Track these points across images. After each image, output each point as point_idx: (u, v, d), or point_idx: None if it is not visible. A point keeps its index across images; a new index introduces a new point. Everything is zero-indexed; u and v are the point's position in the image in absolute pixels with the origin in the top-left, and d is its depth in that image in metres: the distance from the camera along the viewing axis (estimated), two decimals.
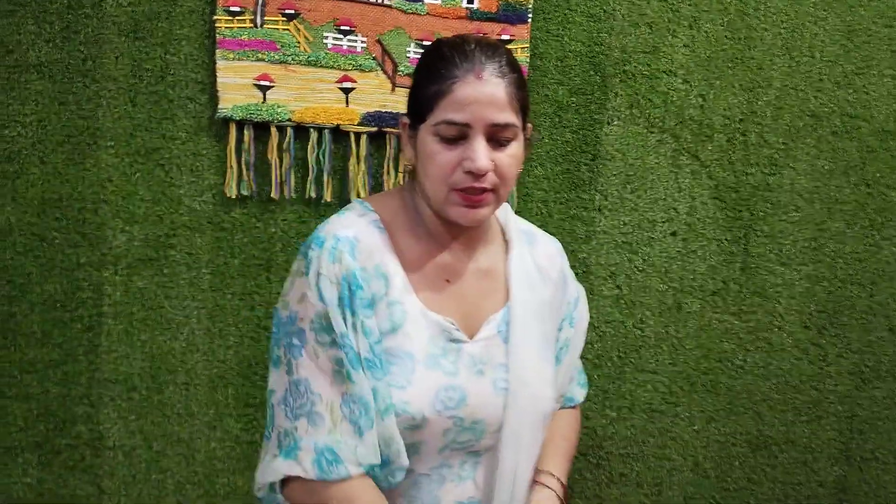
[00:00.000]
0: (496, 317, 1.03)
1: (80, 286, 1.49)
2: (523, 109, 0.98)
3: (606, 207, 1.61)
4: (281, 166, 1.49)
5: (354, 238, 0.97)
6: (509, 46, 1.49)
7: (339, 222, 1.00)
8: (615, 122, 1.59)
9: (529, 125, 1.02)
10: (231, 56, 1.43)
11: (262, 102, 1.45)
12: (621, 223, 1.62)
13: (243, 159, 1.48)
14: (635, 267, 1.63)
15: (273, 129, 1.47)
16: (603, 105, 1.58)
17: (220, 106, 1.45)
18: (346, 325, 0.94)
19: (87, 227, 1.48)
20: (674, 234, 1.63)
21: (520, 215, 1.54)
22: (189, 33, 1.45)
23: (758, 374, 1.68)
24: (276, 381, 0.97)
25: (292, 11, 1.43)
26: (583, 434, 1.63)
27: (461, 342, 1.00)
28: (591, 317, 1.59)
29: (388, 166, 1.51)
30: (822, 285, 1.68)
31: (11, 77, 1.42)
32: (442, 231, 1.02)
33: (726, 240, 1.64)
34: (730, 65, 1.60)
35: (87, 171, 1.47)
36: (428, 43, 1.47)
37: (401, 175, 1.51)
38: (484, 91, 0.92)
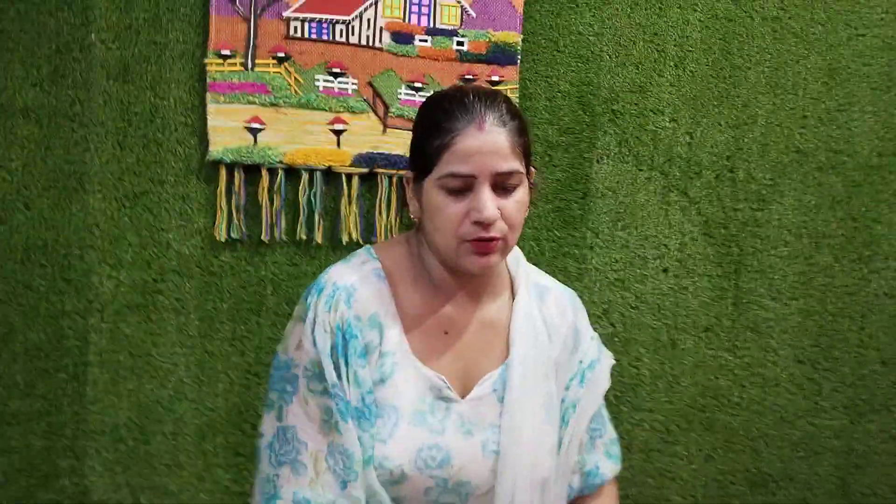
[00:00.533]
0: (493, 374, 1.02)
1: (64, 334, 1.46)
2: (526, 155, 1.00)
3: (598, 245, 1.62)
4: (272, 208, 1.48)
5: (352, 286, 0.98)
6: (498, 87, 1.52)
7: (341, 269, 1.01)
8: (605, 160, 1.60)
9: (533, 169, 1.02)
10: (222, 99, 1.43)
11: (253, 145, 1.45)
12: (613, 260, 1.62)
13: (233, 202, 1.47)
14: (628, 304, 1.63)
15: (264, 172, 1.46)
16: (592, 143, 1.60)
17: (210, 149, 1.44)
18: (338, 374, 0.94)
19: (73, 274, 1.45)
20: (665, 270, 1.64)
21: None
22: (179, 76, 1.45)
23: (754, 409, 1.68)
24: (267, 425, 0.97)
25: (283, 54, 1.44)
26: None
27: (451, 401, 0.99)
28: None
29: (380, 207, 1.51)
30: (813, 319, 1.69)
31: None
32: (447, 281, 1.02)
33: (717, 275, 1.66)
34: (715, 103, 1.63)
35: (73, 216, 1.45)
36: (419, 85, 1.48)
37: (392, 215, 1.52)
38: (486, 141, 0.93)
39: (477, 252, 0.95)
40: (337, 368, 0.94)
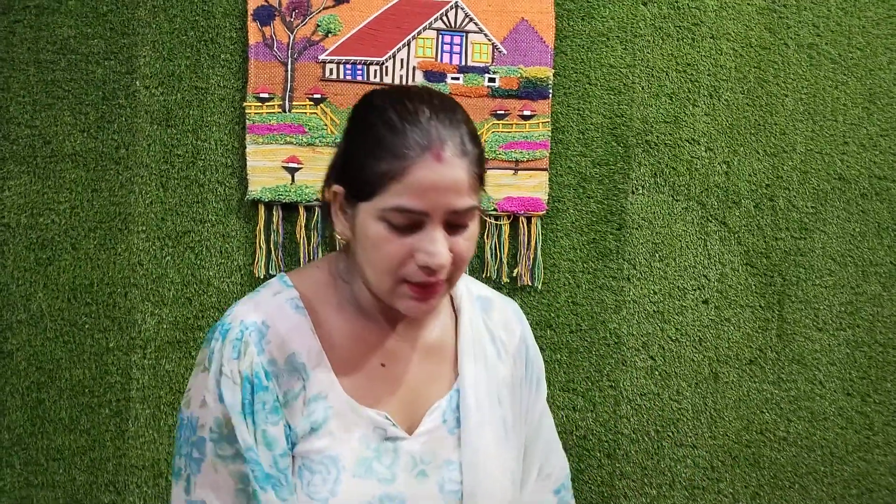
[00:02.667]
0: (440, 404, 0.90)
1: (108, 371, 1.54)
2: (482, 183, 0.87)
3: (635, 276, 1.65)
4: (309, 245, 1.55)
5: (263, 324, 0.84)
6: (531, 122, 1.57)
7: (249, 303, 0.88)
8: (640, 192, 1.64)
9: (481, 189, 0.89)
10: (260, 140, 1.52)
11: (291, 184, 1.52)
12: (651, 292, 1.65)
13: (272, 239, 1.54)
14: (668, 336, 1.66)
15: (301, 209, 1.54)
16: (627, 175, 1.64)
17: (249, 188, 1.52)
18: (249, 434, 0.82)
19: (117, 312, 1.54)
20: (706, 301, 1.66)
21: (546, 287, 1.61)
22: (219, 119, 1.54)
23: (802, 445, 1.67)
24: (175, 498, 0.84)
25: (319, 96, 1.52)
26: None
27: (398, 439, 0.87)
28: (625, 389, 1.63)
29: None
30: (862, 350, 1.69)
31: (48, 167, 1.51)
32: (378, 308, 0.89)
33: (760, 306, 1.67)
34: (752, 131, 1.66)
35: (117, 255, 1.53)
36: None
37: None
38: (445, 175, 0.80)
39: (417, 298, 0.83)
40: (247, 427, 0.82)
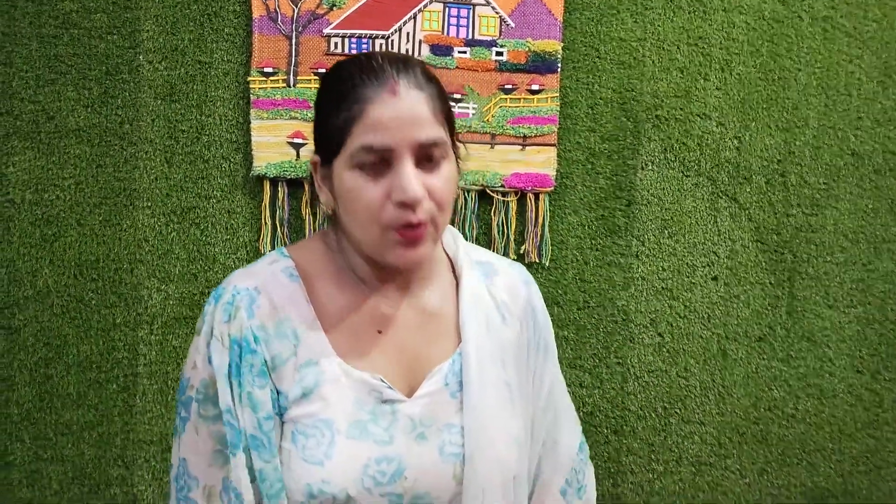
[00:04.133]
0: (442, 367, 0.91)
1: (115, 346, 1.57)
2: (450, 123, 0.89)
3: (644, 253, 1.66)
4: (315, 221, 1.57)
5: (256, 290, 0.87)
6: (539, 96, 1.58)
7: (244, 272, 0.91)
8: (649, 167, 1.65)
9: (460, 144, 0.93)
10: (265, 115, 1.53)
11: (296, 159, 1.53)
12: (660, 269, 1.67)
13: (277, 216, 1.56)
14: (676, 313, 1.67)
15: (306, 185, 1.54)
16: (636, 150, 1.65)
17: (254, 164, 1.53)
18: (232, 397, 0.84)
19: (123, 288, 1.56)
20: (715, 278, 1.68)
21: (554, 263, 1.62)
22: (223, 94, 1.55)
23: (810, 422, 1.70)
24: (174, 455, 0.88)
25: (324, 70, 1.53)
26: (629, 490, 1.66)
27: (395, 402, 0.88)
28: (632, 366, 1.66)
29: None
30: (872, 328, 1.70)
31: (52, 142, 1.53)
32: (373, 274, 0.91)
33: (770, 283, 1.69)
34: (764, 106, 1.66)
35: (123, 231, 1.56)
36: (459, 96, 1.55)
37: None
38: (402, 107, 0.83)
39: (404, 243, 0.85)
40: (232, 390, 0.84)
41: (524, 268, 1.05)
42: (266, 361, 0.86)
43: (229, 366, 0.84)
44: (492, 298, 0.97)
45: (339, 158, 0.85)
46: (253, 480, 0.85)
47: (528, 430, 0.97)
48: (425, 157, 0.85)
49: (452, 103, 1.53)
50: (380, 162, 0.83)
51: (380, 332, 0.91)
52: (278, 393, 0.87)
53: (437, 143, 0.85)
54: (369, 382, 0.87)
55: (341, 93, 0.85)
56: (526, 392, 0.97)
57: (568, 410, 1.05)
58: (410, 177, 0.82)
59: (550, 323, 1.04)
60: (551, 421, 1.01)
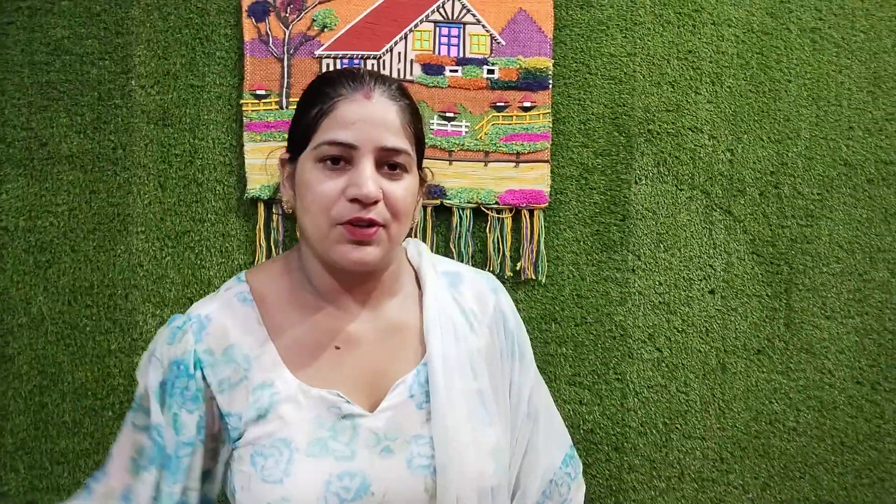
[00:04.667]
0: (406, 379, 0.91)
1: (111, 373, 1.56)
2: (418, 143, 0.92)
3: (640, 268, 1.67)
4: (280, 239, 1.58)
5: (207, 317, 0.90)
6: (532, 113, 1.60)
7: (203, 300, 0.95)
8: (643, 182, 1.67)
9: (426, 169, 0.95)
10: (258, 138, 1.54)
11: None
12: (656, 283, 1.68)
13: (272, 238, 1.56)
14: (674, 328, 1.68)
15: None
16: (629, 165, 1.66)
17: (248, 186, 1.54)
18: (162, 414, 0.88)
19: (118, 314, 1.57)
20: (712, 291, 1.68)
21: (550, 280, 1.63)
22: (216, 118, 1.56)
23: (812, 435, 1.70)
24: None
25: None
26: None
27: (356, 416, 0.88)
28: (632, 382, 1.66)
29: (414, 232, 1.60)
30: (871, 338, 1.71)
31: (45, 169, 1.54)
32: (331, 287, 0.92)
33: (767, 295, 1.69)
34: (756, 118, 1.68)
35: (117, 257, 1.56)
36: (451, 115, 1.56)
37: (427, 245, 1.59)
38: (373, 111, 0.86)
39: (352, 240, 0.85)
40: (162, 408, 0.88)
41: (492, 276, 1.06)
42: (207, 387, 0.88)
43: (162, 385, 0.88)
44: (458, 307, 0.97)
45: (305, 153, 0.88)
46: (155, 500, 0.88)
47: (508, 440, 0.96)
48: (388, 164, 0.87)
49: (445, 122, 1.56)
50: (341, 159, 0.86)
51: (338, 347, 0.92)
52: (224, 416, 0.88)
53: (400, 152, 0.87)
54: (327, 399, 0.88)
55: (320, 91, 0.89)
56: (502, 400, 0.96)
57: (550, 419, 1.04)
58: (367, 175, 0.85)
59: (524, 329, 1.04)
60: (531, 429, 1.01)
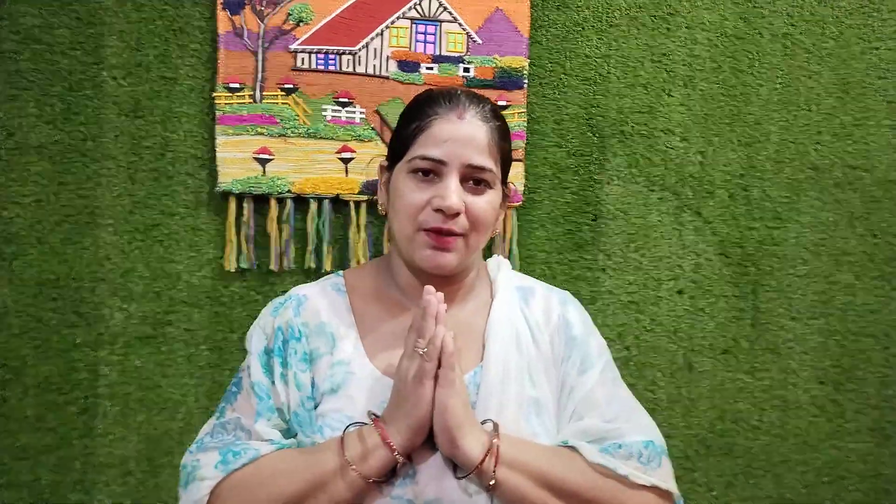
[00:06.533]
0: (464, 378, 0.96)
1: (75, 367, 1.58)
2: (504, 161, 1.02)
3: (610, 267, 1.73)
4: (280, 238, 1.61)
5: (305, 296, 1.04)
6: (506, 112, 1.64)
7: (304, 285, 1.09)
8: (615, 182, 1.73)
9: (511, 184, 1.04)
10: (231, 131, 1.57)
11: (262, 175, 1.57)
12: (626, 283, 1.74)
13: (243, 232, 1.59)
14: (643, 327, 1.74)
15: (273, 201, 1.59)
16: (602, 165, 1.72)
17: (219, 180, 1.56)
18: (273, 376, 0.99)
19: (84, 307, 1.58)
20: (680, 292, 1.75)
21: None
22: (188, 110, 1.58)
23: (775, 434, 1.77)
24: (204, 427, 1.04)
25: (291, 86, 1.57)
26: None
27: None
28: None
29: (389, 234, 1.64)
30: (835, 339, 1.79)
31: (12, 159, 1.54)
32: (414, 286, 1.03)
33: (734, 296, 1.76)
34: (727, 121, 1.75)
35: (84, 249, 1.58)
36: None
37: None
38: (463, 130, 0.97)
39: (432, 245, 0.96)
40: (271, 370, 0.99)
41: (568, 293, 1.13)
42: (307, 352, 1.00)
43: (269, 349, 1.00)
44: (524, 319, 1.05)
45: (401, 163, 0.99)
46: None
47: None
48: (472, 180, 0.98)
49: None
50: (431, 172, 0.97)
51: None
52: (313, 385, 0.99)
53: (484, 170, 0.97)
54: (391, 385, 0.95)
55: (420, 108, 1.01)
56: (558, 407, 1.02)
57: (613, 412, 1.02)
58: (452, 189, 0.95)
59: (596, 340, 1.09)
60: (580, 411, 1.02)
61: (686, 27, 1.72)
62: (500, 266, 1.12)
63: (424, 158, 0.96)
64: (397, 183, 1.00)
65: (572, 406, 1.02)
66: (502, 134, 1.02)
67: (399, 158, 1.00)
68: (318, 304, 1.03)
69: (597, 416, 1.01)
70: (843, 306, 1.78)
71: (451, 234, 0.96)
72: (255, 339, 1.03)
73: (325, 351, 1.00)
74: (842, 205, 1.78)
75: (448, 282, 1.03)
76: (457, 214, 0.96)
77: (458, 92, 1.02)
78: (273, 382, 0.99)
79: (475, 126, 0.98)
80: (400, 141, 1.01)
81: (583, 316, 1.11)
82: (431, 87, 1.07)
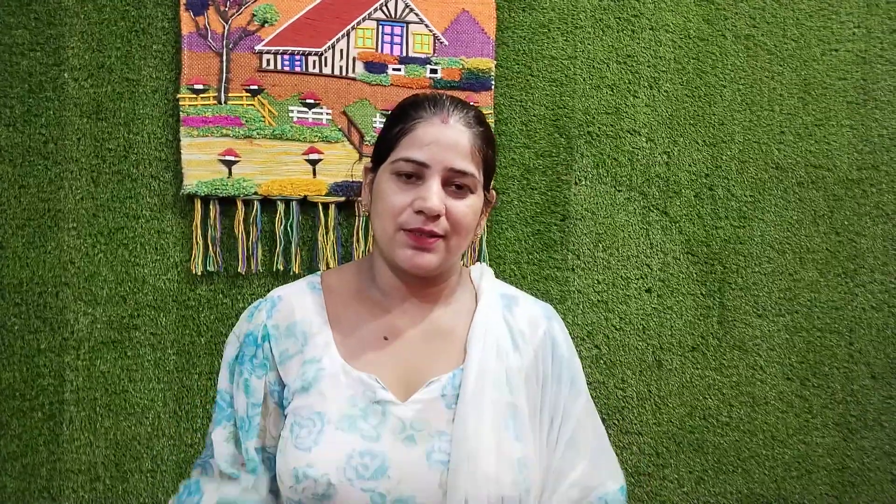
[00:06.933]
0: (441, 378, 1.00)
1: (40, 373, 1.56)
2: (487, 167, 1.04)
3: (579, 267, 1.75)
4: (248, 240, 1.60)
5: (279, 297, 1.07)
6: None
7: (281, 287, 1.11)
8: (583, 182, 1.74)
9: (493, 191, 1.07)
10: (195, 133, 1.56)
11: (228, 177, 1.57)
12: (595, 282, 1.75)
13: (209, 235, 1.58)
14: (612, 325, 1.76)
15: (239, 203, 1.58)
16: (570, 166, 1.73)
17: (184, 182, 1.55)
18: (232, 381, 1.04)
19: (48, 312, 1.57)
20: (648, 290, 1.77)
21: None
22: (152, 112, 1.57)
23: (744, 429, 1.80)
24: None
25: (256, 87, 1.57)
26: None
27: (387, 403, 0.97)
28: None
29: (358, 235, 1.64)
30: (800, 335, 1.82)
31: None
32: (394, 286, 1.05)
33: (701, 294, 1.79)
34: (692, 122, 1.77)
35: (47, 254, 1.56)
36: None
37: (371, 243, 1.64)
38: (447, 134, 0.99)
39: (413, 245, 0.98)
40: (232, 375, 1.04)
41: (550, 307, 1.16)
42: (272, 357, 1.02)
43: (235, 357, 1.03)
44: (507, 326, 1.07)
45: (385, 165, 1.01)
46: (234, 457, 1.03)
47: (538, 459, 1.02)
48: (454, 184, 0.99)
49: (384, 118, 1.60)
50: (414, 174, 0.98)
51: (386, 338, 1.04)
52: (283, 386, 1.02)
53: (466, 174, 0.99)
54: (365, 381, 0.98)
55: (405, 111, 1.03)
56: (537, 420, 1.04)
57: (594, 453, 1.09)
58: (433, 191, 0.97)
59: (578, 360, 1.13)
60: (567, 458, 1.06)
61: (650, 29, 1.74)
62: (483, 273, 1.14)
63: (407, 161, 0.98)
64: (380, 184, 1.01)
65: (567, 434, 1.06)
66: (486, 140, 1.04)
67: (383, 160, 1.02)
68: (293, 303, 1.05)
69: (585, 461, 1.06)
70: (808, 303, 1.81)
71: (431, 235, 0.98)
72: (229, 347, 1.06)
73: (295, 351, 1.02)
74: (805, 203, 1.81)
75: (428, 283, 1.05)
76: (437, 217, 0.98)
77: (444, 97, 1.04)
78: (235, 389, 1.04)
79: (458, 131, 1.00)
80: (384, 143, 1.03)
81: (566, 334, 1.14)
82: (417, 92, 1.09)
